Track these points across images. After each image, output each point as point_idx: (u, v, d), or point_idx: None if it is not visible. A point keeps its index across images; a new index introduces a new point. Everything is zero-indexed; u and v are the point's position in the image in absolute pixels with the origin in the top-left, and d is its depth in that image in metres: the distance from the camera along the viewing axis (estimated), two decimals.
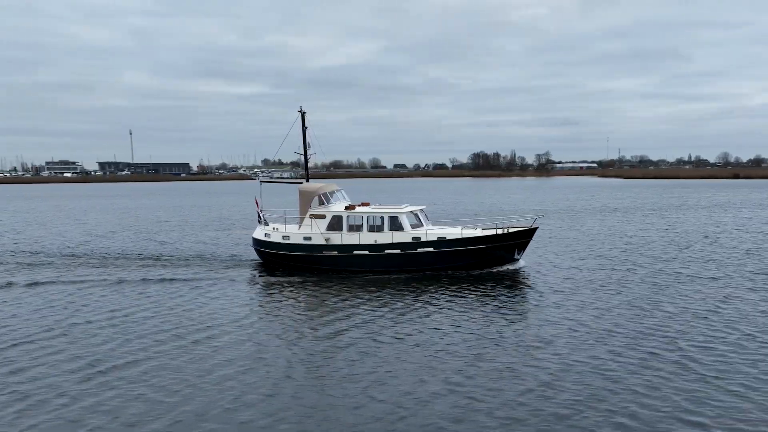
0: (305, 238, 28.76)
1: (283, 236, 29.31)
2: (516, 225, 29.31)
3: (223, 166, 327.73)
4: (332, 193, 30.04)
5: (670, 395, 12.97)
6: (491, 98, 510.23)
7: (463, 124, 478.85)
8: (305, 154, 31.38)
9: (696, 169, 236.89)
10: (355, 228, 28.25)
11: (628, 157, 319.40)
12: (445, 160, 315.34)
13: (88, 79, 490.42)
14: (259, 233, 30.45)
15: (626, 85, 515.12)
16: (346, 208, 28.79)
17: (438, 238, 27.40)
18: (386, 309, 20.89)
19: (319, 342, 17.18)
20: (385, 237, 27.65)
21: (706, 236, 39.34)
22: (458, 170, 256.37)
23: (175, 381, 14.13)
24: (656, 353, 15.74)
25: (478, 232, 27.86)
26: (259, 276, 27.55)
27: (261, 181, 33.68)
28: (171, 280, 26.27)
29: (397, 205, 30.35)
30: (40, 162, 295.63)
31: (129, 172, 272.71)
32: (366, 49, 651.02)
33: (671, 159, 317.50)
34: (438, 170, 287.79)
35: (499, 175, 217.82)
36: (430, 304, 21.64)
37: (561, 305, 21.17)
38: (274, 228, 30.06)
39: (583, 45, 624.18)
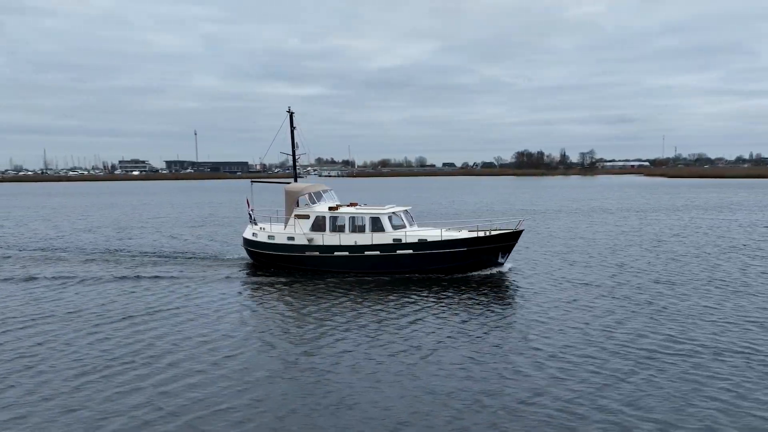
0: (289, 238, 27.71)
1: (268, 236, 28.37)
2: (503, 228, 27.45)
3: (283, 165, 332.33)
4: (318, 193, 28.84)
5: (660, 396, 12.46)
6: (546, 97, 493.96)
7: (517, 122, 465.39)
8: (293, 155, 30.31)
9: (748, 168, 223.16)
10: (338, 229, 27.01)
11: (685, 155, 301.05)
12: (502, 158, 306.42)
13: (162, 84, 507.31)
14: (248, 233, 29.65)
15: (687, 82, 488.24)
16: (330, 208, 27.56)
17: (419, 240, 25.80)
18: (363, 313, 19.66)
19: (296, 345, 16.36)
20: (365, 238, 26.26)
21: (655, 238, 36.79)
22: (502, 169, 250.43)
23: (150, 381, 13.64)
24: (636, 358, 14.91)
25: (460, 234, 26.07)
26: (246, 275, 26.64)
27: (252, 181, 32.88)
28: (155, 277, 25.71)
29: (384, 205, 28.90)
30: (114, 161, 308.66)
31: (192, 171, 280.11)
32: (421, 50, 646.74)
33: (731, 157, 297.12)
34: (485, 169, 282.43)
35: (543, 174, 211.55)
36: (405, 309, 20.21)
37: (541, 311, 19.69)
38: (261, 228, 29.20)
39: (640, 41, 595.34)
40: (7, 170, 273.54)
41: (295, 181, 30.37)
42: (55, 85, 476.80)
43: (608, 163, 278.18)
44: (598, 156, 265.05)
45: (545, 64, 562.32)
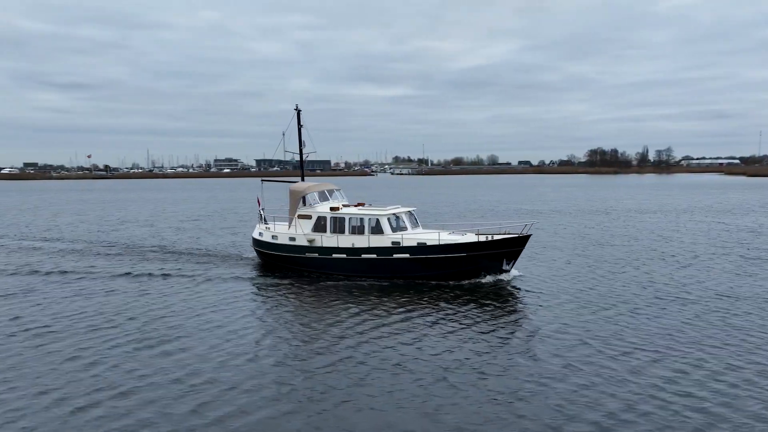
0: (290, 239, 25.81)
1: (272, 236, 26.60)
2: (513, 231, 24.09)
3: (366, 163, 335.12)
4: (322, 192, 26.72)
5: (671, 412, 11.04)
6: (635, 93, 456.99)
7: (604, 119, 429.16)
8: (300, 153, 28.36)
9: None
10: (338, 230, 24.73)
11: None
12: (580, 156, 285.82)
13: (262, 88, 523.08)
14: (256, 232, 28.08)
15: None
16: (332, 209, 25.33)
17: (417, 243, 23.05)
18: (360, 319, 17.66)
19: (286, 351, 14.92)
20: (363, 240, 23.85)
21: (598, 243, 32.32)
22: (575, 167, 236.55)
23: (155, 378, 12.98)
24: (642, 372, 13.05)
25: (460, 239, 23.05)
26: (250, 276, 24.85)
27: (262, 180, 31.27)
28: (157, 275, 24.59)
29: (393, 205, 26.37)
30: (210, 160, 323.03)
31: (278, 168, 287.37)
32: (505, 49, 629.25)
33: None
34: (559, 167, 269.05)
35: (615, 172, 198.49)
36: (403, 316, 17.96)
37: (543, 323, 17.01)
38: (266, 227, 27.50)
39: (739, 32, 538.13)
40: (117, 168, 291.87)
41: (302, 180, 28.44)
42: (171, 91, 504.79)
43: (694, 161, 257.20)
44: (684, 153, 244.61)
45: (634, 59, 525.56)
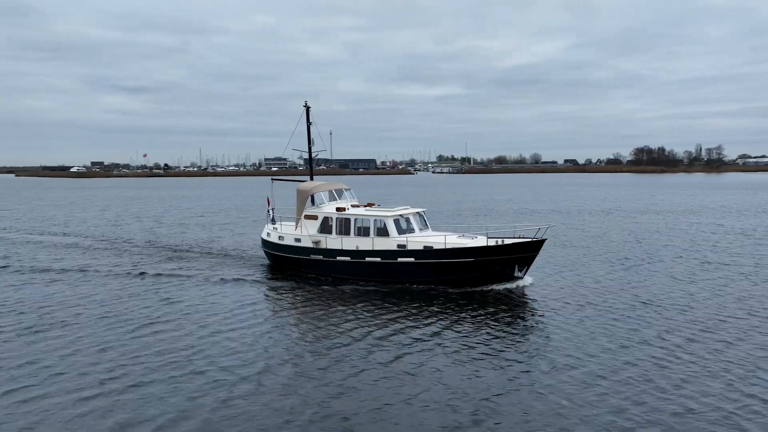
0: (296, 240, 24.34)
1: (279, 236, 25.21)
2: (527, 234, 21.82)
3: (411, 162, 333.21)
4: (331, 192, 25.12)
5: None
6: (689, 89, 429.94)
7: (656, 117, 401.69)
8: (309, 151, 26.81)
9: None
10: (344, 231, 23.08)
11: None
12: (626, 155, 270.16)
13: (313, 89, 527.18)
14: (265, 232, 26.76)
15: None
16: (338, 209, 23.70)
17: (424, 247, 21.12)
18: (365, 324, 16.38)
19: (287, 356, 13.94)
20: (367, 243, 22.10)
21: (618, 247, 27.48)
22: (620, 166, 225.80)
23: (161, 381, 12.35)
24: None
25: (468, 243, 20.96)
26: (255, 277, 23.54)
27: (272, 179, 29.90)
28: (162, 275, 23.61)
29: (402, 206, 24.51)
30: (261, 158, 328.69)
31: (324, 167, 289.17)
32: (554, 47, 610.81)
33: None
34: (606, 166, 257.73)
35: (662, 171, 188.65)
36: (402, 322, 16.40)
37: (550, 337, 15.05)
38: (274, 227, 26.13)
39: None
40: (173, 167, 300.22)
41: (311, 179, 26.93)
42: (225, 93, 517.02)
43: (751, 160, 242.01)
44: (742, 151, 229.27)
45: (688, 54, 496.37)
